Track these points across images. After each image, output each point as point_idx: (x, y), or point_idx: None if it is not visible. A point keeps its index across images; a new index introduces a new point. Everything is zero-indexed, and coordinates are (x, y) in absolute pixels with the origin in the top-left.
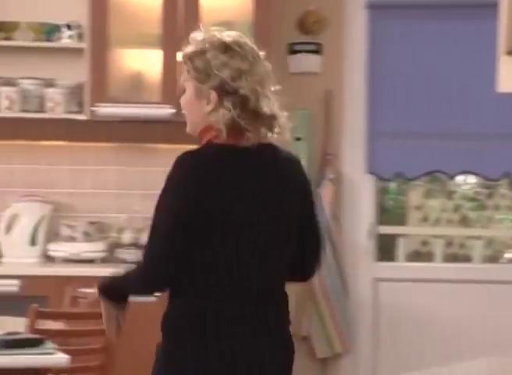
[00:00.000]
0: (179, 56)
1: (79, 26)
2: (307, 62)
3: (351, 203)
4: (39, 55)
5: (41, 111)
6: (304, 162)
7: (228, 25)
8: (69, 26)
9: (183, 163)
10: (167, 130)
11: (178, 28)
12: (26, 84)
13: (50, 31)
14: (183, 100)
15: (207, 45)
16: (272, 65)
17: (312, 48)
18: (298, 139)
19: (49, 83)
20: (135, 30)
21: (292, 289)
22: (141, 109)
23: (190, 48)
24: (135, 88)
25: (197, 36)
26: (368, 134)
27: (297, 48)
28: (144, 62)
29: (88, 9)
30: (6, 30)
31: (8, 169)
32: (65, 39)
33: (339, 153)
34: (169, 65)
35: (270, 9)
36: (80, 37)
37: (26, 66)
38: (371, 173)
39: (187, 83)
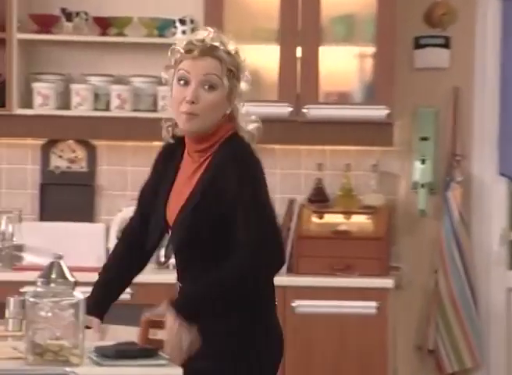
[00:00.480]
0: (298, 52)
1: (192, 21)
2: (435, 57)
3: (482, 207)
4: (151, 51)
5: (154, 110)
6: (430, 163)
7: (350, 18)
8: (182, 21)
9: (256, 157)
10: (284, 129)
11: (297, 22)
12: (138, 82)
13: (163, 27)
14: (214, 98)
15: (238, 48)
16: (396, 60)
17: (440, 41)
18: (424, 139)
19: (161, 82)
20: (251, 25)
21: (416, 296)
22: (257, 108)
23: (229, 45)
24: (251, 86)
25: (218, 34)
26: (500, 134)
27: (424, 41)
28: (260, 58)
29: (202, 3)
30: (118, 26)
31: (119, 171)
32: (179, 34)
33: (469, 154)
34: (287, 61)
35: (395, 1)
36: (194, 32)
37: (138, 63)
38: (504, 174)
39: (221, 81)
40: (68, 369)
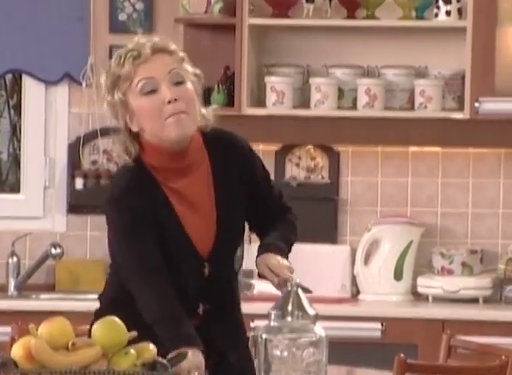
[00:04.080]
0: None
1: (459, 0)
2: None
3: None
4: (408, 37)
5: (409, 108)
6: None
7: None
8: (446, 0)
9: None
10: None
11: None
12: (391, 75)
13: (422, 6)
14: (190, 89)
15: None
16: None
17: None
18: None
19: (420, 73)
20: None
21: None
22: None
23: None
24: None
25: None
26: None
27: None
28: None
29: None
30: (368, 7)
31: (367, 182)
32: (442, 16)
33: None
34: None
35: None
36: (461, 12)
37: (391, 51)
38: None
39: (184, 73)
40: None
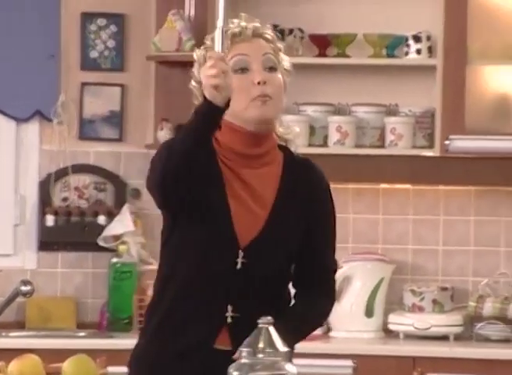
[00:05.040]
0: None
1: (429, 38)
2: None
3: None
4: (378, 75)
5: (380, 146)
6: None
7: None
8: (416, 38)
9: None
10: None
11: None
12: (362, 112)
13: (393, 45)
14: (280, 79)
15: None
16: None
17: None
18: None
19: (391, 111)
20: (502, 42)
21: None
22: (507, 143)
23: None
24: (499, 116)
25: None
26: None
27: None
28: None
29: (441, 16)
30: (339, 45)
31: (337, 219)
32: (412, 54)
33: None
34: None
35: None
36: (431, 51)
37: (362, 89)
38: None
39: (277, 61)
40: None
